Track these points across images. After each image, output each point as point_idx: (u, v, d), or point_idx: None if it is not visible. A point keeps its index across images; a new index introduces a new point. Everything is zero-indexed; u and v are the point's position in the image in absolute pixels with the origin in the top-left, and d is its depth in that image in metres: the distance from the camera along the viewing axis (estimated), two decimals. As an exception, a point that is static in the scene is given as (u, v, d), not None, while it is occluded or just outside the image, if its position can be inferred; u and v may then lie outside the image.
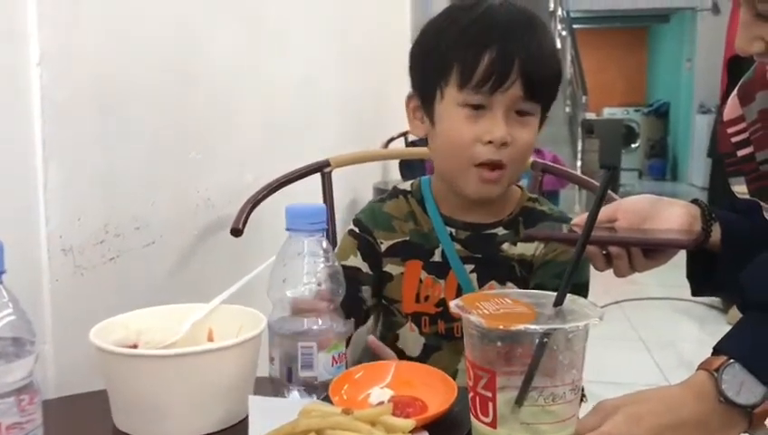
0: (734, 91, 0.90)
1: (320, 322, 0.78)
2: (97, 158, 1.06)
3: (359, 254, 1.05)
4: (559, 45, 6.89)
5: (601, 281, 1.01)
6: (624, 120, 9.60)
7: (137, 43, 1.14)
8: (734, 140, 0.89)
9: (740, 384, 0.66)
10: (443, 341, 1.02)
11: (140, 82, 1.15)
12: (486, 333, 0.62)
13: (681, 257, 0.90)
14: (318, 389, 0.77)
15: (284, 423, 0.60)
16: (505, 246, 1.01)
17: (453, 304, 0.65)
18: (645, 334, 3.46)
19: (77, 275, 1.01)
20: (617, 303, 3.88)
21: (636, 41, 11.54)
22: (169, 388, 0.72)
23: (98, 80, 1.05)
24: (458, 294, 1.01)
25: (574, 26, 8.27)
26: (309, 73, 1.96)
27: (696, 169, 8.47)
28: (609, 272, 0.85)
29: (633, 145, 10.15)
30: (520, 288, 0.99)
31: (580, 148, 6.32)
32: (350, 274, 1.02)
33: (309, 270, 0.78)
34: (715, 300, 3.77)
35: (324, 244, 0.79)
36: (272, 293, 0.79)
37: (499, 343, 0.62)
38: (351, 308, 1.00)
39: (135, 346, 0.80)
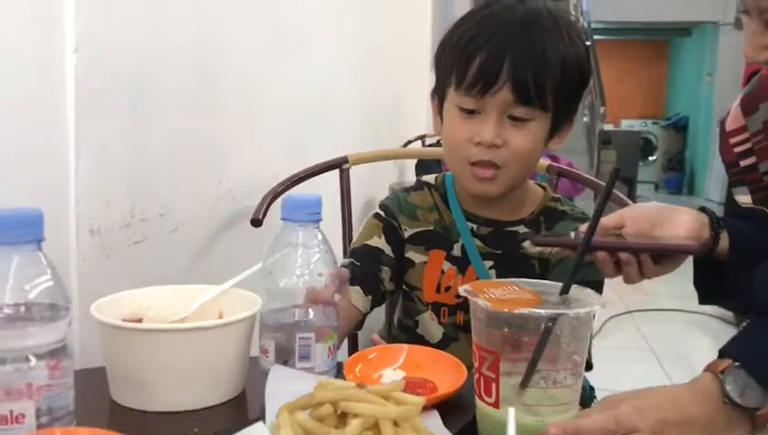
0: (737, 102, 0.91)
1: (311, 313, 0.76)
2: (126, 144, 1.09)
3: (383, 236, 1.07)
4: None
5: (613, 290, 1.02)
6: (642, 133, 9.56)
7: (168, 39, 1.18)
8: (736, 150, 0.90)
9: (743, 388, 0.67)
10: (460, 332, 1.04)
11: (171, 75, 1.19)
12: (493, 317, 0.64)
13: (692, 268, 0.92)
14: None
15: (301, 396, 0.62)
16: (526, 244, 1.03)
17: (462, 289, 0.68)
18: (656, 346, 3.45)
19: (103, 257, 1.04)
20: (629, 313, 3.88)
21: (656, 54, 11.50)
22: (159, 362, 0.75)
23: (130, 70, 1.09)
24: None
25: (595, 37, 8.26)
26: (329, 75, 1.99)
27: (714, 183, 8.41)
28: (622, 281, 0.85)
29: (650, 158, 10.11)
30: None
31: (596, 158, 6.32)
32: (373, 253, 1.05)
33: (302, 262, 0.76)
34: (728, 314, 3.75)
35: (319, 235, 0.78)
36: (264, 282, 0.78)
37: (506, 329, 0.65)
38: (370, 287, 1.02)
39: (140, 321, 0.82)
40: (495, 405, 0.64)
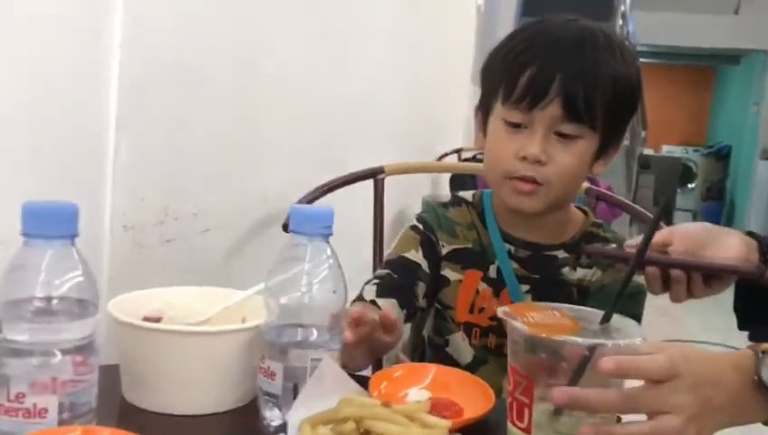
0: None
1: (314, 332, 0.72)
2: (165, 142, 1.10)
3: (420, 250, 1.04)
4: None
5: (644, 319, 0.99)
6: (682, 160, 9.42)
7: (212, 39, 1.18)
8: None
9: None
10: (490, 355, 1.02)
11: (212, 75, 1.19)
12: (529, 341, 0.63)
13: (727, 300, 0.89)
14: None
15: (326, 409, 0.61)
16: (565, 270, 1.00)
17: (500, 310, 0.66)
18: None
19: (135, 253, 1.05)
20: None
21: (702, 80, 11.32)
22: (172, 363, 0.74)
23: (173, 69, 1.09)
24: None
25: (640, 60, 8.15)
26: (368, 84, 1.99)
27: (755, 215, 8.23)
28: (651, 310, 0.84)
29: (689, 185, 9.94)
30: None
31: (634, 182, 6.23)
32: (410, 266, 1.02)
33: (308, 279, 0.71)
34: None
35: (329, 250, 0.73)
36: (265, 296, 0.73)
37: (543, 355, 0.63)
38: (406, 300, 0.99)
39: (159, 320, 0.81)
40: (527, 430, 0.63)
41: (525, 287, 1.00)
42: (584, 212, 1.07)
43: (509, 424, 0.65)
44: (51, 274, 0.58)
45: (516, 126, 0.93)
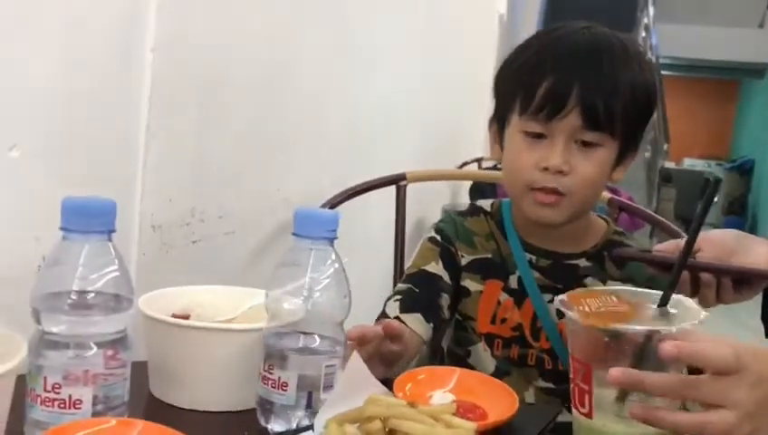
0: None
1: (317, 338, 0.70)
2: (193, 145, 1.12)
3: (440, 261, 1.03)
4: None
5: None
6: (704, 173, 9.34)
7: (240, 48, 1.21)
8: None
9: None
10: (513, 367, 1.00)
11: (239, 81, 1.22)
12: (584, 330, 0.65)
13: (752, 316, 0.89)
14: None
15: (352, 408, 0.62)
16: (589, 280, 0.99)
17: (558, 300, 0.68)
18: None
19: (162, 252, 1.06)
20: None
21: (726, 93, 11.24)
22: (200, 360, 0.75)
23: (202, 73, 1.11)
24: (534, 321, 1.00)
25: (663, 72, 8.12)
26: (391, 92, 2.00)
27: (777, 231, 8.13)
28: None
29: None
30: None
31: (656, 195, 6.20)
32: (432, 279, 1.01)
33: (310, 283, 0.69)
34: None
35: (333, 255, 0.70)
36: (267, 301, 0.71)
37: (599, 344, 0.65)
38: (431, 314, 0.98)
39: (187, 318, 0.81)
40: (589, 415, 0.65)
41: (548, 297, 0.99)
42: (605, 221, 1.06)
43: (573, 409, 0.68)
44: (88, 268, 0.60)
45: (536, 136, 0.92)
